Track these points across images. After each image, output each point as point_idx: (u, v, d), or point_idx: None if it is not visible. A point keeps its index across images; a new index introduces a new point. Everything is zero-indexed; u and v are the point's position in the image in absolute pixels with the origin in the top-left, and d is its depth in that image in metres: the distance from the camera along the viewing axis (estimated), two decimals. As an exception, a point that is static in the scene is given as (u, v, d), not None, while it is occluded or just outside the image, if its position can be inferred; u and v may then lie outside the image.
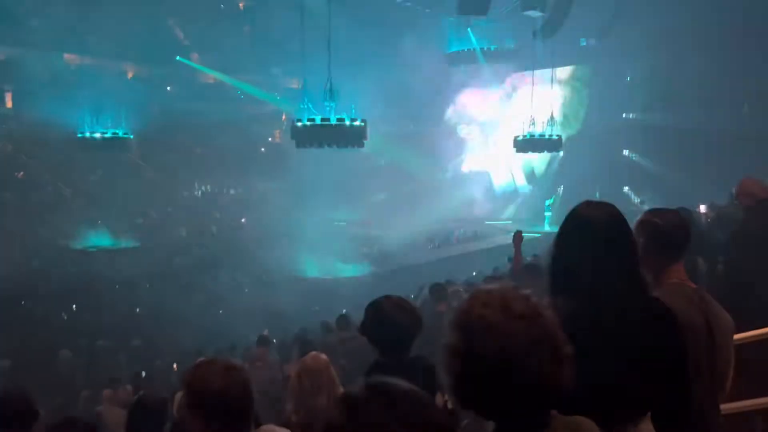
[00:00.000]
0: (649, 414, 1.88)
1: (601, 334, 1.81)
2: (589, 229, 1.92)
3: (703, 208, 9.12)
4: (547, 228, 20.35)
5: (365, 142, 11.10)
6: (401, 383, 1.17)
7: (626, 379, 1.81)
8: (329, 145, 10.86)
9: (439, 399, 2.36)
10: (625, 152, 19.31)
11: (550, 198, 21.09)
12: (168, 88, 24.37)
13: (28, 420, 3.22)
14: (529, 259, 11.56)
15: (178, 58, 23.71)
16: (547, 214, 20.75)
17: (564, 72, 20.71)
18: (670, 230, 2.30)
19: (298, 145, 10.83)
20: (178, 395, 7.22)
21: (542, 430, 1.32)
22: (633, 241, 1.97)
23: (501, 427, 1.35)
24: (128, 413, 4.04)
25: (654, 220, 2.34)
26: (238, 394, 2.03)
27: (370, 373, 2.52)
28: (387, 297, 2.66)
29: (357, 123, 10.58)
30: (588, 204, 1.99)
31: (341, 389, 3.22)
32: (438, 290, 6.97)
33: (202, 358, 2.17)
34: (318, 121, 10.18)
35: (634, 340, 1.85)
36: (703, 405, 2.17)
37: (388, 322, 2.52)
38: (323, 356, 3.49)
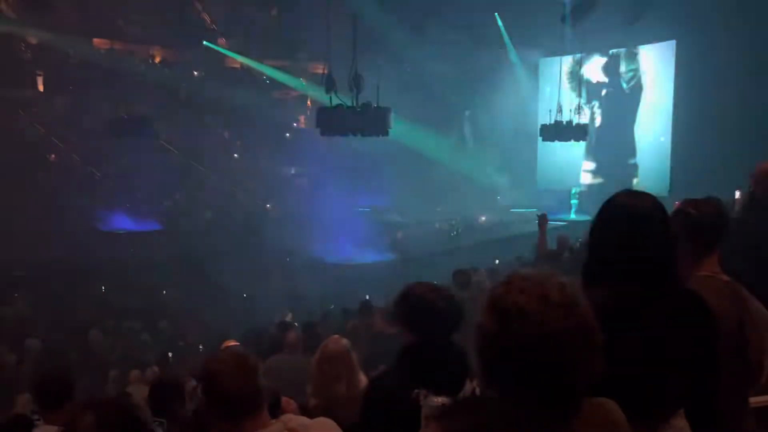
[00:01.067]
0: (682, 411, 1.86)
1: (634, 325, 1.78)
2: (628, 219, 1.88)
3: (737, 195, 8.92)
4: (573, 216, 20.14)
5: (390, 130, 11.04)
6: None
7: (658, 373, 1.79)
8: (354, 133, 10.81)
9: (468, 386, 2.35)
10: (662, 138, 18.95)
11: (578, 186, 20.85)
12: (195, 72, 24.53)
13: (64, 397, 3.30)
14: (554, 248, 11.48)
15: (205, 42, 23.83)
16: (574, 202, 20.53)
17: (593, 59, 20.36)
18: (704, 221, 2.25)
19: (323, 133, 10.78)
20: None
21: (572, 416, 1.32)
22: (671, 232, 1.92)
23: (530, 412, 1.34)
24: (149, 394, 4.12)
25: (688, 209, 2.28)
26: (247, 385, 2.06)
27: (402, 357, 2.49)
28: (419, 283, 2.62)
29: (382, 110, 10.50)
30: (628, 193, 1.96)
31: (361, 375, 3.23)
32: (461, 277, 6.97)
33: (222, 346, 2.22)
34: (343, 109, 10.11)
35: (667, 333, 1.82)
36: (729, 400, 2.13)
37: (427, 308, 2.47)
38: (344, 341, 3.50)
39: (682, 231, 2.20)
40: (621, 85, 20.19)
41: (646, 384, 1.75)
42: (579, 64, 19.76)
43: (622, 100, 20.15)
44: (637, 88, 19.70)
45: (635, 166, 19.54)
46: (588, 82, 20.40)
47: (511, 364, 1.28)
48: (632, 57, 19.72)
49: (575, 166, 20.89)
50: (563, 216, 20.33)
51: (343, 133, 10.90)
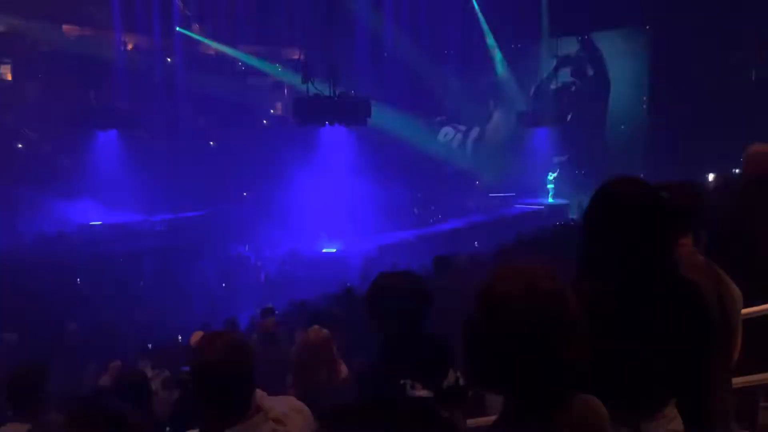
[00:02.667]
0: (674, 400, 1.86)
1: (631, 314, 1.78)
2: (622, 207, 1.86)
3: (710, 177, 9.07)
4: (550, 200, 20.29)
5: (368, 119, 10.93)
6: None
7: (655, 361, 1.79)
8: (332, 123, 10.72)
9: (450, 375, 2.35)
10: (622, 126, 19.14)
11: (554, 170, 20.99)
12: (168, 59, 24.13)
13: (35, 395, 3.23)
14: (532, 231, 11.57)
15: (178, 29, 23.43)
16: (550, 186, 20.67)
17: (569, 43, 20.42)
18: (677, 204, 2.26)
19: (300, 123, 10.68)
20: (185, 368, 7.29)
21: (556, 408, 1.31)
22: (666, 218, 1.91)
23: (514, 404, 1.34)
24: (113, 388, 4.08)
25: (661, 193, 2.30)
26: (240, 368, 2.03)
27: (381, 349, 2.48)
28: (388, 272, 2.61)
29: (360, 99, 10.40)
30: (620, 180, 1.94)
31: (342, 365, 3.22)
32: (441, 263, 6.97)
33: (209, 331, 2.17)
34: (321, 98, 9.98)
35: (663, 321, 1.82)
36: (717, 380, 2.15)
37: (391, 296, 2.46)
38: (325, 331, 3.49)
39: None
40: (594, 69, 20.31)
41: (642, 374, 1.76)
42: (555, 48, 19.82)
43: (595, 85, 20.30)
44: (608, 72, 19.84)
45: (607, 151, 19.73)
46: (562, 65, 20.49)
47: (496, 354, 1.27)
48: (604, 40, 19.83)
49: (552, 151, 21.02)
50: (540, 200, 20.50)
51: (321, 124, 10.82)
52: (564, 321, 1.27)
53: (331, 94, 10.09)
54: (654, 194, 1.91)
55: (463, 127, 23.65)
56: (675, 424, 1.83)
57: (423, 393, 1.24)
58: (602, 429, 1.39)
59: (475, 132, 23.08)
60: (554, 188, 20.50)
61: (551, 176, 20.68)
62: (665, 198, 2.27)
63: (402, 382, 2.22)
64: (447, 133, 24.24)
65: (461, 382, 2.36)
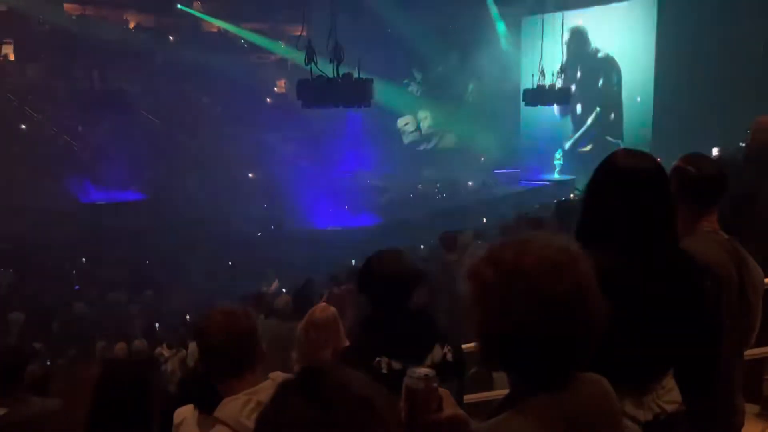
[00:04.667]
0: (671, 371, 1.85)
1: (632, 288, 1.75)
2: (627, 180, 1.83)
3: (715, 152, 8.99)
4: (556, 176, 20.19)
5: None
6: None
7: (657, 335, 1.76)
8: (335, 105, 10.63)
9: (437, 351, 2.33)
10: (637, 99, 18.93)
11: (560, 145, 20.84)
12: (171, 37, 23.97)
13: (12, 380, 3.20)
14: (536, 206, 11.51)
15: (179, 6, 23.24)
16: (557, 162, 20.54)
17: (575, 17, 20.13)
18: (703, 179, 2.21)
19: (304, 105, 10.58)
20: (192, 345, 7.33)
21: (563, 385, 1.26)
22: (671, 193, 1.88)
23: (521, 380, 1.30)
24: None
25: (687, 167, 2.24)
26: (244, 339, 2.07)
27: (365, 326, 2.47)
28: (379, 251, 2.58)
29: (364, 81, 10.27)
30: (626, 153, 1.90)
31: (347, 343, 3.21)
32: (448, 239, 6.95)
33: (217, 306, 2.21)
34: (324, 80, 9.86)
35: (666, 295, 1.79)
36: (729, 357, 2.12)
37: (378, 275, 2.42)
38: (331, 308, 3.48)
39: (680, 188, 2.16)
40: (601, 44, 20.05)
41: (642, 347, 1.73)
42: (561, 23, 19.55)
43: (602, 59, 20.06)
44: (617, 47, 19.58)
45: (618, 125, 19.56)
46: (570, 41, 20.21)
47: (511, 325, 1.22)
48: (611, 12, 19.54)
49: (558, 127, 20.86)
50: (547, 176, 20.39)
51: (325, 105, 10.73)
52: (577, 293, 1.22)
53: (335, 75, 9.96)
54: (660, 168, 1.87)
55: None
56: (673, 395, 1.83)
57: (424, 371, 1.20)
58: (612, 408, 1.35)
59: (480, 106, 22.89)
60: (561, 164, 20.37)
61: (559, 153, 20.55)
62: (691, 172, 2.22)
63: (378, 359, 2.22)
64: (407, 122, 24.21)
65: (450, 357, 2.34)
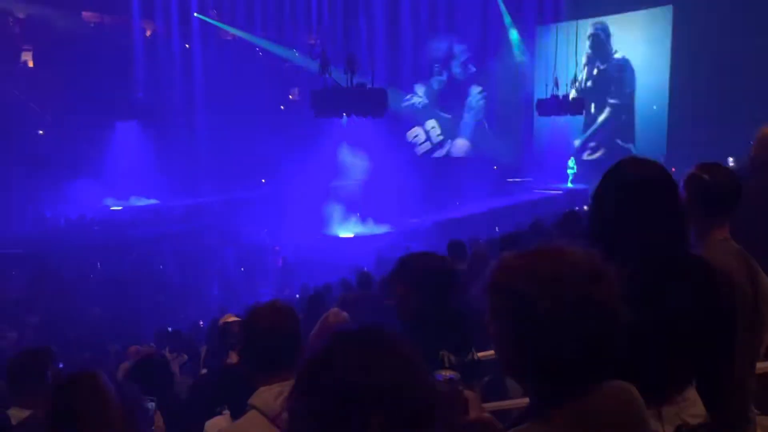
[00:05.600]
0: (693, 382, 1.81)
1: (644, 298, 1.71)
2: (634, 188, 1.80)
3: (730, 161, 8.90)
4: (569, 185, 20.10)
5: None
6: None
7: (673, 346, 1.74)
8: (348, 114, 10.67)
9: (473, 352, 2.37)
10: (654, 107, 18.84)
11: (573, 154, 20.76)
12: (187, 45, 24.18)
13: (37, 381, 3.22)
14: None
15: (195, 14, 23.44)
16: (570, 171, 20.46)
17: (590, 26, 20.09)
18: (717, 187, 2.19)
19: (317, 115, 10.61)
20: (203, 349, 7.34)
21: (586, 394, 1.22)
22: (680, 201, 1.86)
23: (540, 392, 1.26)
24: (134, 371, 4.11)
25: (702, 175, 2.22)
26: (289, 336, 2.14)
27: (412, 326, 2.48)
28: (415, 252, 2.63)
29: (378, 91, 10.26)
30: (633, 160, 1.87)
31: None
32: (457, 248, 6.90)
33: (222, 320, 2.24)
34: (338, 90, 9.89)
35: (680, 305, 1.76)
36: (742, 368, 2.10)
37: (427, 272, 2.47)
38: (344, 314, 3.49)
39: (693, 196, 2.16)
40: (613, 53, 19.99)
41: (660, 358, 1.71)
42: (575, 32, 19.53)
43: (614, 68, 20.00)
44: (633, 55, 19.51)
45: (630, 128, 19.48)
46: (584, 50, 20.18)
47: (524, 340, 1.20)
48: (627, 22, 19.49)
49: (571, 136, 20.80)
50: (560, 185, 20.31)
51: (338, 116, 10.79)
52: (598, 304, 1.20)
53: (348, 85, 9.98)
54: (668, 176, 1.83)
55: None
56: (697, 408, 1.79)
57: (447, 374, 1.21)
58: (638, 416, 1.30)
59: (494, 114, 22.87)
60: (574, 172, 20.29)
61: (572, 161, 20.47)
62: (705, 179, 2.20)
63: (441, 352, 2.25)
64: (417, 134, 24.21)
65: (476, 357, 2.40)
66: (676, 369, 1.77)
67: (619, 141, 19.28)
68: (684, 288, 1.79)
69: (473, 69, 22.82)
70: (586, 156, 20.54)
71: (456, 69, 23.14)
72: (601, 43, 20.14)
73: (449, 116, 23.74)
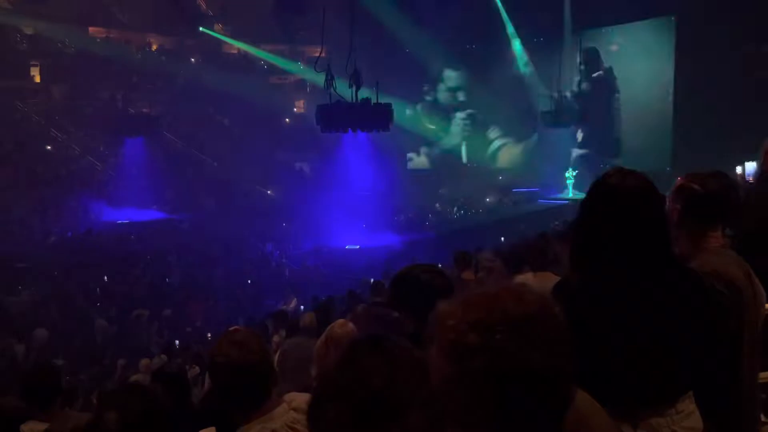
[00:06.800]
0: (690, 394, 1.80)
1: (628, 309, 1.72)
2: (619, 199, 1.81)
3: (739, 170, 8.82)
4: (570, 195, 20.06)
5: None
6: None
7: (654, 356, 1.73)
8: (354, 129, 10.71)
9: None
10: (657, 117, 18.83)
11: (573, 164, 20.74)
12: (192, 59, 24.38)
13: (53, 395, 3.24)
14: (557, 223, 11.44)
15: (201, 28, 23.67)
16: (569, 181, 20.40)
17: (593, 37, 20.13)
18: (708, 197, 2.20)
19: (322, 130, 10.64)
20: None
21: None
22: (664, 212, 1.88)
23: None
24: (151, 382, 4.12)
25: (692, 185, 2.23)
26: (256, 373, 2.03)
27: (414, 340, 2.45)
28: (415, 265, 2.58)
29: (382, 106, 10.29)
30: (618, 172, 1.89)
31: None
32: (462, 258, 6.91)
33: (232, 328, 2.21)
34: (343, 104, 9.93)
35: (663, 315, 1.76)
36: (748, 374, 2.11)
37: (423, 289, 2.37)
38: (350, 325, 3.49)
39: (685, 206, 2.17)
40: (615, 64, 20.03)
41: (642, 369, 1.70)
42: (578, 43, 19.56)
43: (614, 79, 20.06)
44: (636, 67, 19.54)
45: (625, 144, 19.56)
46: (586, 61, 20.20)
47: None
48: (629, 32, 19.53)
49: (572, 145, 20.82)
50: (562, 195, 20.27)
51: (343, 130, 10.82)
52: (546, 338, 1.08)
53: (353, 100, 10.04)
54: (652, 187, 1.85)
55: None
56: (692, 421, 1.77)
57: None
58: (601, 418, 1.31)
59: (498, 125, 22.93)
60: (574, 183, 20.24)
61: (570, 172, 20.42)
62: (696, 189, 2.21)
63: None
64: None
65: None
66: (664, 378, 1.76)
67: (610, 153, 19.33)
68: (669, 295, 1.79)
69: (461, 98, 22.99)
70: (581, 167, 20.55)
71: (440, 94, 23.36)
72: (596, 55, 20.19)
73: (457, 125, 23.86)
